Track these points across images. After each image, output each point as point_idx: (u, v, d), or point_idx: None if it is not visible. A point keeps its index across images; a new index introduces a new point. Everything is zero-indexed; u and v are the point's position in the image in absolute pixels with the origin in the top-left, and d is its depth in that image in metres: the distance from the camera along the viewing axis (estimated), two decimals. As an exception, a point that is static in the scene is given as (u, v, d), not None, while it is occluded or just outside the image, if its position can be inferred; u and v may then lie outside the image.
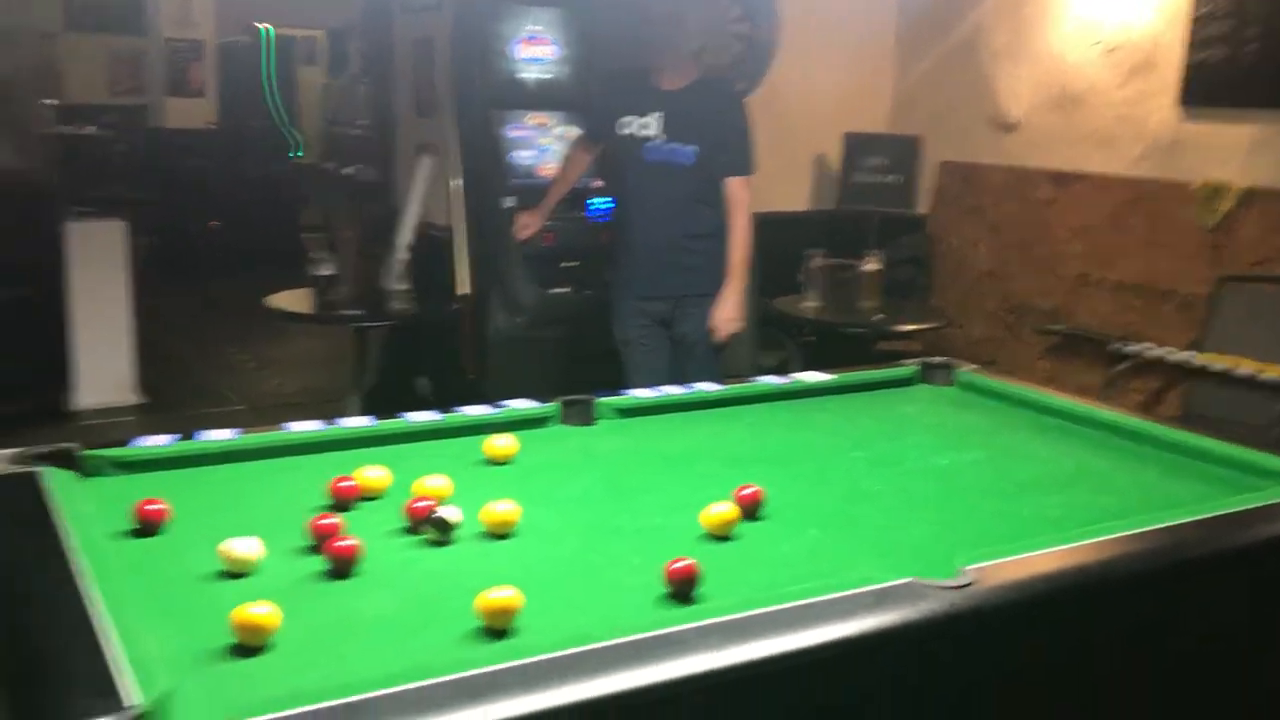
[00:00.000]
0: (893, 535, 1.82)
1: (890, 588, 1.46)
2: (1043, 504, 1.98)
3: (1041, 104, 5.16)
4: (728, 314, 3.75)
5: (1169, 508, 1.86)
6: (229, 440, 2.07)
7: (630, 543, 1.77)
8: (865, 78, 5.76)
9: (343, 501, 1.83)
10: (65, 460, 1.90)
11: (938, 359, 2.86)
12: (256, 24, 10.44)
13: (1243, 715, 1.90)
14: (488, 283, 4.59)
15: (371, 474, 1.91)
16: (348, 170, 6.82)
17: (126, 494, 1.81)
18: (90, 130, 9.00)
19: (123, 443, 2.01)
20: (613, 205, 4.22)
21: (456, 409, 2.32)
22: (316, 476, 1.91)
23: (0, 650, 1.31)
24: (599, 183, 4.49)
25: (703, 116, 3.73)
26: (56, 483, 1.80)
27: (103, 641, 1.28)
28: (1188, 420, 3.21)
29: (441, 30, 4.76)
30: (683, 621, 1.37)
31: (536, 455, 2.16)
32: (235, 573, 1.57)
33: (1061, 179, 5.06)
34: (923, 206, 5.68)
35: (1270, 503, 1.88)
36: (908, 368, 2.83)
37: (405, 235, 4.56)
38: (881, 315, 4.65)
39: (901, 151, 5.60)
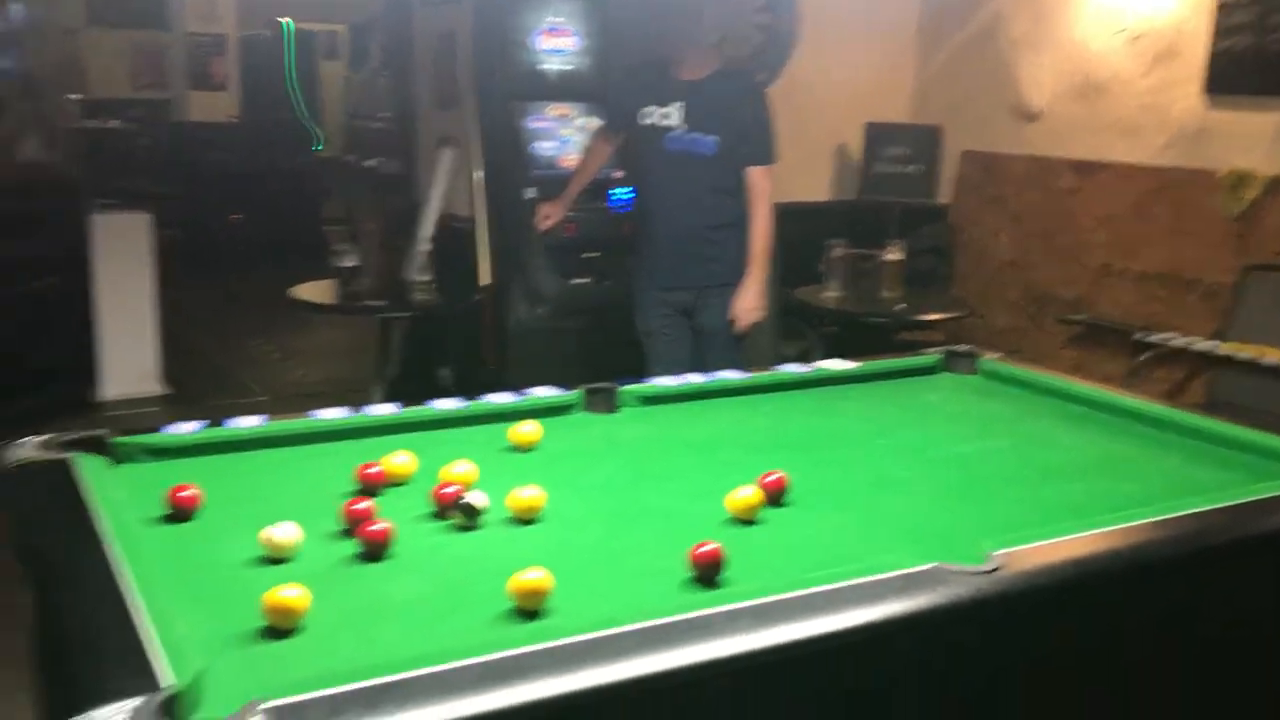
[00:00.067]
0: (918, 521, 1.83)
1: (917, 572, 1.46)
2: (1067, 491, 1.98)
3: (1064, 93, 5.13)
4: (749, 304, 3.76)
5: (1194, 494, 1.85)
6: (257, 427, 2.09)
7: (655, 528, 1.78)
8: (886, 68, 5.74)
9: (370, 487, 1.85)
10: (96, 447, 1.92)
11: (961, 347, 2.85)
12: (278, 18, 10.49)
13: (1268, 701, 1.90)
14: (509, 274, 4.61)
15: (398, 460, 1.93)
16: (370, 163, 6.85)
17: (157, 480, 1.83)
18: (114, 124, 9.07)
19: (153, 429, 2.03)
20: (634, 195, 4.22)
21: (480, 397, 2.34)
22: (344, 463, 1.92)
23: (38, 631, 1.34)
24: (620, 173, 4.50)
25: (724, 106, 3.73)
26: (88, 469, 1.82)
27: (137, 623, 1.29)
28: (1212, 409, 3.19)
29: (462, 23, 4.78)
30: (708, 605, 1.38)
31: (560, 442, 2.17)
32: (275, 558, 1.59)
33: (1085, 168, 5.03)
34: (944, 196, 5.66)
35: (1297, 489, 1.88)
36: (931, 356, 2.82)
37: (427, 227, 4.59)
38: (903, 305, 4.64)
39: (923, 141, 5.58)
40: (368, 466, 1.87)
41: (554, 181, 4.34)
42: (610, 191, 4.54)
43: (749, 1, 5.35)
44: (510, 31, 4.57)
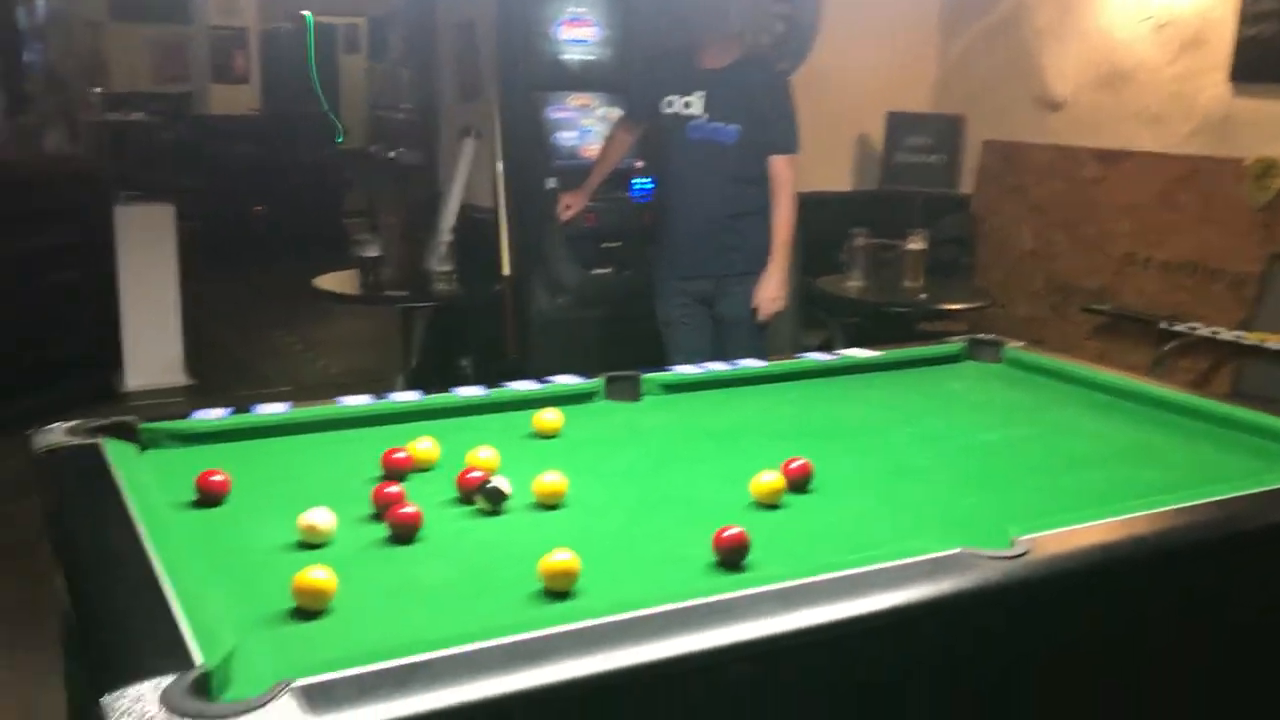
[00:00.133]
0: (943, 508, 1.82)
1: (944, 557, 1.46)
2: (1093, 478, 1.97)
3: (1088, 82, 5.10)
4: (770, 293, 3.75)
5: (1222, 481, 1.84)
6: (283, 414, 2.10)
7: (678, 515, 1.78)
8: (908, 57, 5.71)
9: (395, 473, 1.86)
10: (123, 432, 1.94)
11: (985, 335, 2.84)
12: (302, 12, 10.53)
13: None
14: (530, 264, 4.61)
15: (422, 446, 1.93)
16: (391, 154, 6.87)
17: (184, 465, 1.84)
18: (137, 117, 9.13)
19: (181, 415, 2.04)
20: (655, 185, 4.22)
21: (503, 384, 2.34)
22: (369, 449, 1.93)
23: (70, 611, 1.35)
24: (640, 163, 4.49)
25: (745, 95, 3.72)
26: (115, 454, 1.84)
27: (169, 604, 1.30)
28: (1239, 398, 3.17)
29: (484, 13, 4.78)
30: (733, 589, 1.37)
31: (583, 430, 2.18)
32: (311, 543, 1.59)
33: (1109, 157, 5.00)
34: (966, 186, 5.63)
35: (1327, 477, 1.86)
36: (955, 344, 2.81)
37: (448, 217, 4.59)
38: (925, 295, 4.62)
39: (944, 131, 5.55)
40: (393, 452, 1.88)
41: (575, 172, 4.34)
42: (632, 181, 4.54)
43: (770, -10, 5.33)
44: (532, 22, 4.57)
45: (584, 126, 4.63)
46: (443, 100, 5.37)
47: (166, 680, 1.11)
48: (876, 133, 5.61)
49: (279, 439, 2.06)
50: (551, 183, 4.41)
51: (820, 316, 4.83)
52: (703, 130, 3.73)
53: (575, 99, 4.65)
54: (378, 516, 1.68)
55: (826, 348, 3.37)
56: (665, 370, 2.52)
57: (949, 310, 4.78)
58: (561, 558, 1.45)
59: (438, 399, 2.25)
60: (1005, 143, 5.48)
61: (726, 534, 1.54)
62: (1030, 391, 2.55)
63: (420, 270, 4.57)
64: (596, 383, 2.38)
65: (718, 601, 1.34)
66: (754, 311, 3.76)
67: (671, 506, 1.82)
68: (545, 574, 1.45)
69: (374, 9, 10.10)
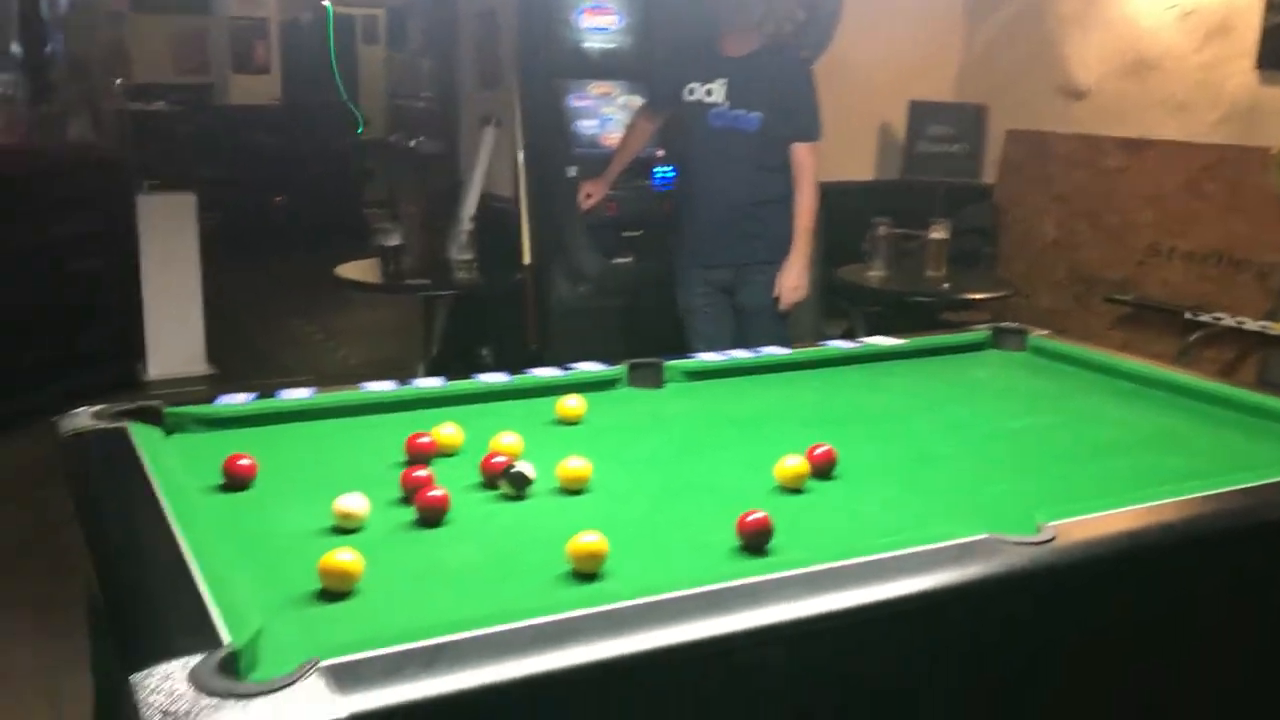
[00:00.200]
0: (969, 495, 1.81)
1: (971, 543, 1.45)
2: (1119, 466, 1.96)
3: (1113, 71, 5.05)
4: (792, 282, 3.74)
5: (1251, 469, 1.82)
6: (307, 399, 2.11)
7: (701, 501, 1.78)
8: (930, 45, 5.67)
9: (419, 457, 1.86)
10: (149, 417, 1.95)
11: (1009, 324, 2.82)
12: (322, 2, 10.54)
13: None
14: (551, 253, 4.61)
15: (446, 431, 1.94)
16: (412, 143, 6.87)
17: (209, 449, 1.85)
18: (159, 107, 9.16)
19: (206, 400, 2.05)
20: (676, 174, 4.21)
21: (526, 371, 2.34)
22: (393, 434, 1.94)
23: (98, 594, 1.35)
24: (661, 152, 4.48)
25: (767, 83, 3.70)
26: (142, 438, 1.85)
27: (196, 585, 1.31)
28: (1266, 388, 3.14)
29: (505, 1, 4.77)
30: (758, 573, 1.37)
31: (606, 416, 2.18)
32: (345, 528, 1.59)
33: (1133, 146, 4.96)
34: (989, 176, 5.60)
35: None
36: (979, 332, 2.80)
37: (469, 206, 4.60)
38: (947, 285, 4.59)
39: (967, 120, 5.52)
40: (417, 436, 1.88)
41: (596, 160, 4.34)
42: (653, 170, 4.53)
43: (792, -22, 5.30)
44: (553, 10, 4.56)
45: (605, 115, 4.62)
46: (463, 89, 5.37)
47: (195, 659, 1.12)
48: (899, 122, 5.58)
49: (303, 424, 2.07)
50: (572, 171, 4.40)
51: (842, 306, 4.81)
52: (725, 118, 3.72)
53: (596, 87, 4.64)
54: (404, 500, 1.69)
55: (849, 337, 3.36)
56: (689, 357, 2.51)
57: (971, 300, 4.75)
58: (590, 539, 1.45)
59: (461, 385, 2.26)
60: (1028, 132, 5.44)
61: (750, 518, 1.54)
62: (1055, 379, 2.53)
63: (441, 259, 4.58)
64: (619, 369, 2.38)
65: (743, 585, 1.34)
66: (775, 300, 3.75)
67: (695, 493, 1.82)
68: (573, 555, 1.45)
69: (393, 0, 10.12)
